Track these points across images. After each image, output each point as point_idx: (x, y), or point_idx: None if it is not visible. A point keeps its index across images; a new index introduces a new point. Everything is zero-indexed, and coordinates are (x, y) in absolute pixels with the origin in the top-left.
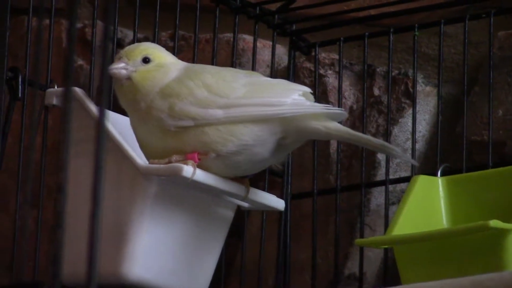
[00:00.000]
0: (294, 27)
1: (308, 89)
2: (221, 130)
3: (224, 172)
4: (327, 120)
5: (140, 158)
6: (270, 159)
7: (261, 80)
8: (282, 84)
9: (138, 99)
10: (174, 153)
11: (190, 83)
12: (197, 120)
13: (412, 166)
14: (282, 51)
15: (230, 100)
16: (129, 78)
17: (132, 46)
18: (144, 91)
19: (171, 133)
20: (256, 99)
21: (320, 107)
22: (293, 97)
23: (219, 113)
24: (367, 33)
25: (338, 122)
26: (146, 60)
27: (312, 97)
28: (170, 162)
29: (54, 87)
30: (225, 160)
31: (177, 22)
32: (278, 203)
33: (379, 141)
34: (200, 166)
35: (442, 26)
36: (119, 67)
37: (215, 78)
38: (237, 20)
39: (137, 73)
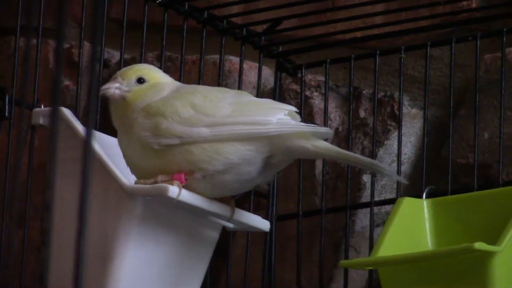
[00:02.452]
0: (280, 48)
1: (293, 108)
2: (206, 148)
3: (211, 192)
4: (315, 139)
5: (126, 178)
6: (258, 178)
7: (247, 99)
8: (268, 103)
9: (128, 117)
10: (160, 173)
11: (176, 103)
12: (183, 138)
13: (397, 188)
14: (268, 72)
15: (216, 118)
16: (123, 98)
17: (127, 67)
18: (136, 110)
19: (157, 152)
20: (242, 118)
21: (305, 127)
22: (279, 116)
23: (205, 131)
24: (353, 55)
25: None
26: (140, 81)
27: (298, 116)
28: (156, 182)
29: (40, 107)
30: (212, 179)
31: (164, 43)
32: (263, 224)
33: (368, 159)
34: (187, 187)
35: (428, 48)
36: (112, 87)
37: (203, 98)
38: (223, 41)
39: (131, 93)
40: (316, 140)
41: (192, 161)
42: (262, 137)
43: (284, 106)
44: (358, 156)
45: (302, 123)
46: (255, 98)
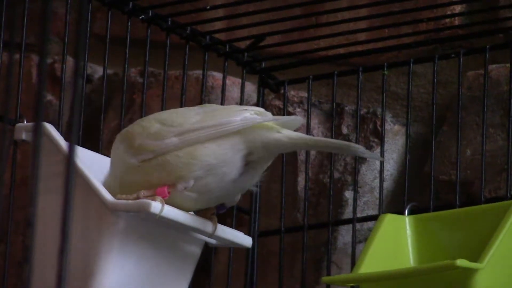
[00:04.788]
0: (263, 64)
1: (261, 109)
2: (181, 155)
3: (197, 202)
4: (288, 131)
5: (108, 194)
6: (241, 180)
7: (214, 107)
8: (234, 106)
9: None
10: (142, 187)
11: (143, 123)
12: (156, 151)
13: (380, 204)
14: (251, 88)
15: (184, 127)
16: None
17: None
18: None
19: (137, 168)
20: (208, 122)
21: (270, 119)
22: (244, 116)
23: (174, 140)
24: (336, 72)
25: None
26: None
27: (269, 114)
28: (138, 197)
29: (23, 122)
30: (195, 188)
31: (147, 59)
32: (245, 240)
33: (342, 142)
34: (171, 201)
35: (411, 65)
36: None
37: (169, 113)
38: (206, 57)
39: None
40: (290, 131)
41: (170, 171)
42: (235, 135)
43: (251, 108)
44: (332, 140)
45: (269, 117)
46: (222, 106)
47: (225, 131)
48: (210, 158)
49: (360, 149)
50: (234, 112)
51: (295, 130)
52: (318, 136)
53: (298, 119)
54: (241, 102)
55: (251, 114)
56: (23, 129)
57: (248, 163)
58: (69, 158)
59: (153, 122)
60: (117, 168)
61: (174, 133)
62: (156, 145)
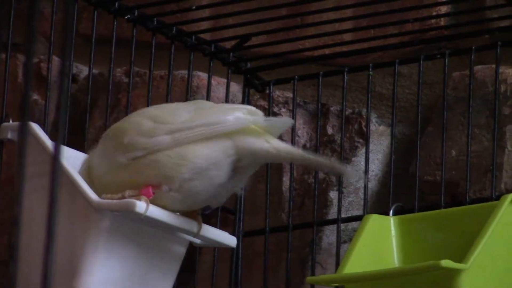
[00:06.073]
0: (248, 65)
1: (252, 108)
2: (171, 156)
3: (182, 204)
4: (277, 141)
5: (94, 193)
6: (228, 184)
7: (205, 104)
8: (225, 105)
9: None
10: (128, 186)
11: (135, 119)
12: (147, 149)
13: (364, 205)
14: (236, 88)
15: (175, 125)
16: None
17: None
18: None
19: (125, 166)
20: (200, 121)
21: (261, 120)
22: (236, 115)
23: (166, 138)
24: (321, 72)
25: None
26: None
27: (259, 114)
28: (123, 197)
29: (9, 121)
30: (181, 190)
31: (133, 59)
32: (230, 240)
33: (327, 161)
34: (156, 201)
35: (396, 66)
36: None
37: (160, 110)
38: (192, 57)
39: None
40: (278, 142)
41: (158, 171)
42: (226, 138)
43: (242, 106)
44: (318, 158)
45: (260, 118)
46: (213, 103)
47: (218, 131)
48: (201, 160)
49: (342, 168)
50: (226, 110)
51: (282, 133)
52: (306, 139)
53: (288, 120)
54: (226, 102)
55: (244, 113)
56: (8, 129)
57: (236, 168)
58: (55, 158)
59: (144, 119)
60: (102, 167)
61: (165, 131)
62: (148, 143)
